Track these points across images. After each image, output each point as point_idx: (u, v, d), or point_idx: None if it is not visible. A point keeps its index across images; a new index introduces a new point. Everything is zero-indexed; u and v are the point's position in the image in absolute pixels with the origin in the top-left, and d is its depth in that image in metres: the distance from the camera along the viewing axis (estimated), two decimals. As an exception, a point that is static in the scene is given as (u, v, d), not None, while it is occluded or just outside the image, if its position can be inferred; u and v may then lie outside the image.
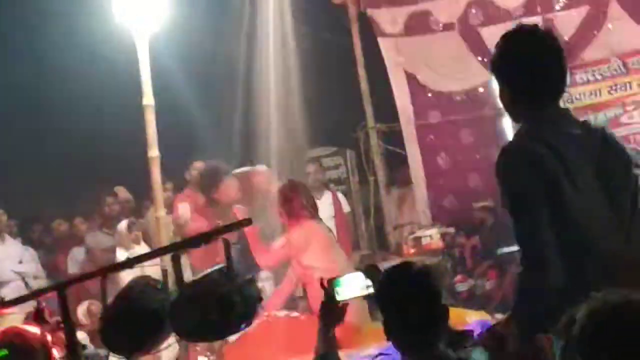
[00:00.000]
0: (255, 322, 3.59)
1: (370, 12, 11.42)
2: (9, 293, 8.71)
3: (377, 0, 11.43)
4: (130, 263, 3.59)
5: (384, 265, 6.05)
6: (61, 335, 3.67)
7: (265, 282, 8.42)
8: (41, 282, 9.53)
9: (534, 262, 3.43)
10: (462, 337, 3.73)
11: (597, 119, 9.77)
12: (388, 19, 11.34)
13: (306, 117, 9.90)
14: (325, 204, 10.15)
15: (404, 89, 11.45)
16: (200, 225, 9.29)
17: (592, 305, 2.51)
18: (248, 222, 3.34)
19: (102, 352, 6.87)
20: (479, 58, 10.37)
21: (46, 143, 12.66)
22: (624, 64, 10.32)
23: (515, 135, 3.66)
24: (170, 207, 9.93)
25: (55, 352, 3.80)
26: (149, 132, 8.25)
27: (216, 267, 3.28)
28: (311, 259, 6.95)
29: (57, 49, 11.33)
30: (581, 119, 3.76)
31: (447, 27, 11.05)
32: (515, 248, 3.64)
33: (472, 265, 10.45)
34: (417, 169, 11.46)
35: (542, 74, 3.60)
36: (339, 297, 3.97)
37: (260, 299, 3.31)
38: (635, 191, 3.62)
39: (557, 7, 10.50)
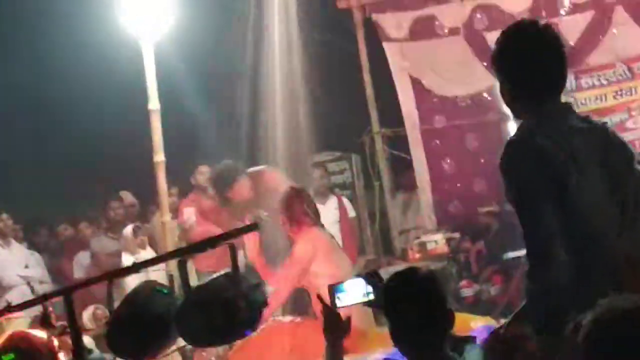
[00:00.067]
0: (260, 327, 3.59)
1: (375, 17, 11.43)
2: (14, 297, 8.69)
3: (382, 5, 11.43)
4: (136, 268, 3.60)
5: (389, 271, 6.04)
6: (67, 339, 3.67)
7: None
8: (46, 287, 9.52)
9: (539, 256, 3.42)
10: (465, 343, 3.72)
11: (602, 123, 9.76)
12: (393, 23, 11.34)
13: (311, 121, 9.90)
14: (330, 209, 10.16)
15: (409, 94, 11.44)
16: (205, 229, 9.31)
17: (597, 311, 2.51)
18: (255, 227, 3.34)
19: (108, 356, 6.87)
20: (484, 63, 10.36)
21: (52, 148, 12.68)
22: (629, 69, 10.32)
23: (519, 129, 3.63)
24: (175, 212, 9.94)
25: (62, 357, 3.81)
26: (154, 136, 8.27)
27: (222, 272, 3.29)
28: (314, 265, 6.94)
29: (63, 52, 11.35)
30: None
31: (453, 31, 11.05)
32: (521, 253, 3.63)
33: (477, 271, 10.43)
34: (422, 174, 11.45)
35: (542, 68, 3.59)
36: (340, 304, 3.96)
37: (266, 304, 3.32)
38: (638, 187, 3.61)
39: (562, 12, 10.50)
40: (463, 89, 11.12)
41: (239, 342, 6.06)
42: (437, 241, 10.41)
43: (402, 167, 11.77)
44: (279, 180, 8.74)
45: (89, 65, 11.04)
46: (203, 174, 10.20)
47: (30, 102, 12.27)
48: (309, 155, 10.58)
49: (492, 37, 11.00)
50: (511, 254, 9.32)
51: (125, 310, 3.44)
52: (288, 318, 7.16)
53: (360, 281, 3.91)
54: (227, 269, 3.33)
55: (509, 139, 3.60)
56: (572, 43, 10.06)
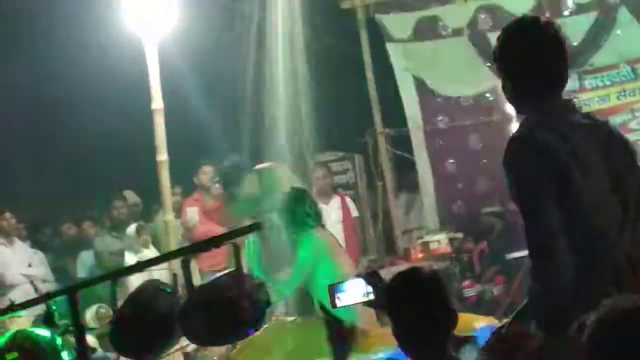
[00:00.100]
0: (263, 327, 3.59)
1: (378, 17, 11.43)
2: (17, 296, 8.70)
3: (385, 5, 11.45)
4: (140, 267, 3.61)
5: (392, 270, 6.04)
6: (70, 338, 3.68)
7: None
8: (50, 286, 9.51)
9: (541, 255, 3.41)
10: (466, 343, 3.72)
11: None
12: (397, 24, 11.35)
13: (314, 121, 9.89)
14: (333, 209, 10.16)
15: (413, 94, 11.46)
16: (208, 228, 9.32)
17: (601, 312, 2.51)
18: (258, 226, 3.34)
19: (111, 355, 6.87)
20: (488, 63, 10.36)
21: (55, 147, 12.67)
22: (633, 70, 10.33)
23: (521, 126, 3.62)
24: (179, 211, 9.95)
25: (65, 356, 3.81)
26: (157, 136, 8.27)
27: (226, 272, 3.29)
28: (316, 266, 6.94)
29: (67, 52, 11.34)
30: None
31: (456, 32, 11.06)
32: (523, 253, 3.62)
33: (480, 271, 10.44)
34: (425, 174, 11.46)
35: (543, 64, 3.58)
36: (339, 303, 3.96)
37: (269, 304, 3.32)
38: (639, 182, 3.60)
39: (566, 13, 10.50)
40: (466, 89, 11.14)
41: (241, 342, 6.06)
42: (440, 241, 10.42)
43: (405, 167, 11.77)
44: (286, 177, 8.73)
45: (92, 65, 11.04)
46: (206, 173, 10.22)
47: (34, 102, 12.26)
48: (312, 155, 10.58)
49: (495, 38, 11.05)
50: (514, 255, 9.32)
51: (129, 309, 3.45)
52: (290, 318, 7.16)
53: (360, 281, 3.90)
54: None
55: (511, 135, 3.59)
56: (575, 44, 10.07)
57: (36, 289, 9.30)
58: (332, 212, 9.89)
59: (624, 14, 10.29)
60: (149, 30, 8.22)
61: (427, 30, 11.23)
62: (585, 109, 9.87)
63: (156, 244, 10.11)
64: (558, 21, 10.05)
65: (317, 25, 10.26)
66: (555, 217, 3.39)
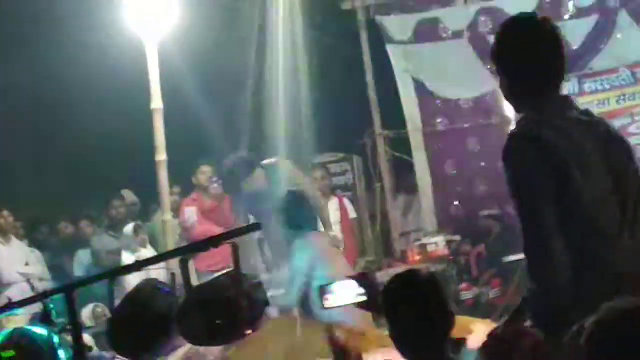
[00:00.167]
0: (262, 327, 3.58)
1: (379, 19, 11.43)
2: (14, 295, 8.70)
3: (386, 7, 11.44)
4: (138, 266, 3.60)
5: (389, 273, 6.03)
6: (67, 337, 3.67)
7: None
8: (46, 284, 9.52)
9: (537, 256, 3.40)
10: (458, 345, 3.72)
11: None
12: (397, 26, 11.35)
13: (314, 122, 9.90)
14: (331, 210, 10.16)
15: (412, 96, 11.45)
16: (206, 229, 9.32)
17: (600, 313, 2.51)
18: (257, 227, 3.33)
19: (107, 354, 6.87)
20: (488, 66, 10.36)
21: (53, 145, 12.68)
22: (633, 74, 10.33)
23: (519, 123, 3.61)
24: (177, 211, 9.95)
25: (62, 354, 3.81)
26: (157, 135, 8.26)
27: (224, 272, 3.28)
28: (316, 266, 6.95)
29: (67, 52, 11.34)
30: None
31: (457, 34, 11.06)
32: (521, 257, 3.60)
33: (477, 274, 10.43)
34: (424, 176, 11.45)
35: (540, 61, 3.58)
36: (329, 304, 3.95)
37: (268, 304, 3.31)
38: (639, 181, 3.59)
39: (567, 16, 10.50)
40: (466, 92, 11.13)
41: (237, 342, 6.06)
42: (438, 243, 10.40)
43: (403, 169, 11.77)
44: (293, 173, 8.73)
45: (92, 65, 11.04)
46: (205, 173, 10.22)
47: (33, 102, 12.27)
48: (311, 156, 10.58)
49: (495, 40, 11.07)
50: (511, 258, 9.31)
51: (126, 309, 3.44)
52: (287, 318, 7.16)
53: (351, 283, 3.89)
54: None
55: (510, 132, 3.58)
56: (575, 47, 10.07)
57: (33, 288, 9.31)
58: (330, 213, 9.89)
59: (624, 18, 10.29)
60: (149, 30, 8.22)
61: (427, 33, 11.23)
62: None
63: (154, 243, 10.11)
64: (559, 24, 10.14)
65: (318, 26, 10.27)
66: (553, 216, 3.37)
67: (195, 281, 3.37)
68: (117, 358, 3.81)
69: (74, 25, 10.86)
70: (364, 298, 3.85)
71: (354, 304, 3.92)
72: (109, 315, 3.64)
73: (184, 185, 10.60)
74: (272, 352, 6.54)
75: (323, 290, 3.92)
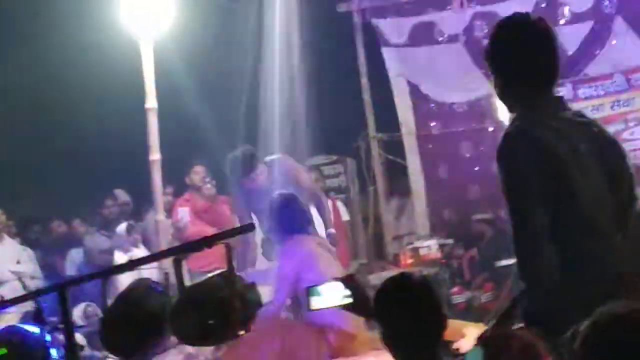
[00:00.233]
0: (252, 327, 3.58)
1: (375, 21, 11.45)
2: (6, 293, 8.70)
3: (382, 10, 11.46)
4: (132, 265, 3.59)
5: (382, 275, 6.03)
6: (59, 335, 3.67)
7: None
8: (38, 283, 9.52)
9: (526, 257, 3.38)
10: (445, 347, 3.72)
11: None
12: (393, 29, 11.37)
13: (308, 124, 9.90)
14: (316, 218, 10.15)
15: (406, 99, 11.47)
16: (199, 229, 9.31)
17: (595, 317, 2.51)
18: (251, 227, 3.32)
19: (98, 354, 6.86)
20: (483, 70, 10.38)
21: (46, 144, 12.66)
22: (627, 80, 10.35)
23: (513, 122, 3.58)
24: (170, 211, 9.93)
25: (54, 353, 3.80)
26: (150, 135, 8.25)
27: (218, 272, 3.28)
28: (302, 272, 6.93)
29: (61, 50, 11.34)
30: None
31: (452, 38, 11.09)
32: (513, 261, 3.58)
33: (469, 277, 10.44)
34: (417, 180, 11.47)
35: (535, 61, 3.56)
36: (314, 306, 3.94)
37: (261, 305, 3.31)
38: (631, 182, 3.58)
39: (562, 22, 10.52)
40: (460, 95, 11.15)
41: (229, 343, 6.05)
42: (430, 247, 10.41)
43: (397, 172, 11.79)
44: (295, 169, 8.71)
45: (86, 64, 11.05)
46: (198, 173, 10.20)
47: (27, 101, 12.27)
48: (305, 157, 10.58)
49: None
50: (504, 262, 9.32)
51: (119, 308, 3.43)
52: (279, 320, 7.14)
53: (338, 285, 3.89)
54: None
55: (504, 132, 3.56)
56: (570, 53, 10.10)
57: (25, 286, 9.30)
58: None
59: (619, 24, 10.32)
60: (145, 29, 8.21)
61: (423, 36, 11.25)
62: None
63: (146, 243, 10.10)
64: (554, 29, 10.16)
65: (313, 28, 10.26)
66: (544, 217, 3.35)
67: (187, 281, 3.37)
68: (109, 357, 3.80)
69: (69, 24, 10.86)
70: (350, 300, 3.84)
71: (340, 306, 3.91)
72: (100, 314, 3.64)
73: (177, 185, 10.58)
74: (263, 354, 6.53)
75: (309, 292, 3.91)
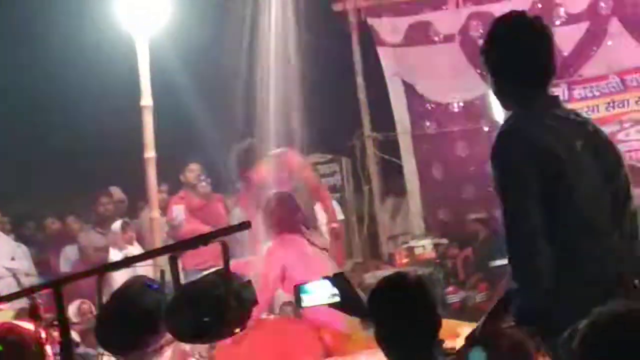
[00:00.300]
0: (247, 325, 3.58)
1: (370, 21, 11.44)
2: (0, 289, 8.70)
3: (378, 9, 11.46)
4: (127, 263, 3.59)
5: (377, 275, 6.03)
6: (54, 332, 3.67)
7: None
8: (33, 280, 9.51)
9: (520, 257, 3.36)
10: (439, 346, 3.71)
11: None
12: (389, 28, 11.37)
13: (303, 123, 9.89)
14: (318, 211, 10.15)
15: (402, 99, 11.47)
16: (194, 227, 9.30)
17: (593, 316, 2.51)
18: (247, 225, 3.32)
19: (92, 351, 6.86)
20: (478, 70, 10.39)
21: (41, 141, 12.65)
22: (622, 81, 10.36)
23: (508, 120, 3.57)
24: (164, 209, 9.94)
25: (49, 349, 3.80)
26: (146, 133, 8.26)
27: (213, 269, 3.28)
28: (291, 270, 6.94)
29: (57, 49, 11.33)
30: None
31: (448, 38, 11.09)
32: (507, 261, 3.55)
33: (464, 277, 10.45)
34: (412, 179, 11.47)
35: (530, 59, 3.55)
36: (303, 304, 3.94)
37: (256, 303, 3.31)
38: (627, 181, 3.57)
39: (557, 22, 10.53)
40: (456, 95, 11.15)
41: (224, 341, 6.06)
42: (425, 246, 10.43)
43: (392, 171, 11.79)
44: (300, 163, 8.71)
45: (81, 62, 11.04)
46: (193, 171, 10.21)
47: (23, 101, 12.27)
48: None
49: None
50: (498, 262, 9.32)
51: (114, 305, 3.43)
52: (274, 318, 7.16)
53: (326, 283, 3.88)
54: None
55: (499, 130, 3.55)
56: (566, 54, 10.11)
57: (19, 282, 9.30)
58: (317, 214, 9.88)
59: (615, 25, 10.33)
60: (140, 26, 8.21)
61: (418, 35, 11.25)
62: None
63: (141, 240, 10.10)
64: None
65: (309, 27, 10.26)
66: (539, 216, 3.33)
67: (182, 279, 3.37)
68: (104, 354, 3.80)
69: (64, 23, 10.85)
70: (337, 299, 3.84)
71: (328, 304, 3.91)
72: (95, 311, 3.64)
73: (171, 182, 10.58)
74: (258, 352, 6.54)
75: (299, 290, 3.91)
